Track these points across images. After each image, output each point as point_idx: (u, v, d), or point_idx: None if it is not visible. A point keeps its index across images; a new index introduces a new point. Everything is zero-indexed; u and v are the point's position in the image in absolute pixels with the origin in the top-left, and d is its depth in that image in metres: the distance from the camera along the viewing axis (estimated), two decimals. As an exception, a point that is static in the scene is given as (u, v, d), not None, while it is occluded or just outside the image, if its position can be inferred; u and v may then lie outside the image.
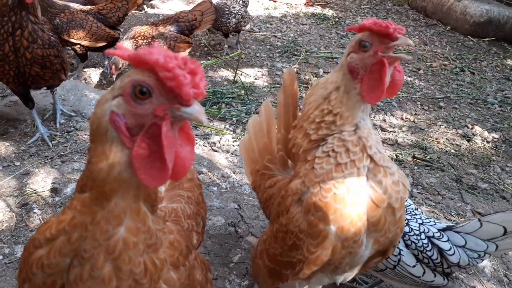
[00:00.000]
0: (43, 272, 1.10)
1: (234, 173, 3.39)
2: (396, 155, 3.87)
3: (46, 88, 3.48)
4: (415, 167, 3.76)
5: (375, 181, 1.51)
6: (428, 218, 2.19)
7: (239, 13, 5.33)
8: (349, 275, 1.80)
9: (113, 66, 4.19)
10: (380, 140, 1.57)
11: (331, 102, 1.53)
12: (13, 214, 2.76)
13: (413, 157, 3.89)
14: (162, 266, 1.14)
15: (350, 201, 1.47)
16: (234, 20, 5.30)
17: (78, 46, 4.33)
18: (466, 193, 3.50)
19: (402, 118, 4.58)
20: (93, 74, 4.78)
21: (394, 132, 4.31)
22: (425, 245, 2.02)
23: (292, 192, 1.64)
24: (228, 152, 3.65)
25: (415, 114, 4.69)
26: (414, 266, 2.04)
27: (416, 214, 2.16)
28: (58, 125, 3.71)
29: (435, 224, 2.12)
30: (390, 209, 1.52)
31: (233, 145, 3.76)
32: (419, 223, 2.09)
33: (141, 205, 1.04)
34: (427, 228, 2.07)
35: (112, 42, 4.56)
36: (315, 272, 1.63)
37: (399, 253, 2.04)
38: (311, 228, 1.54)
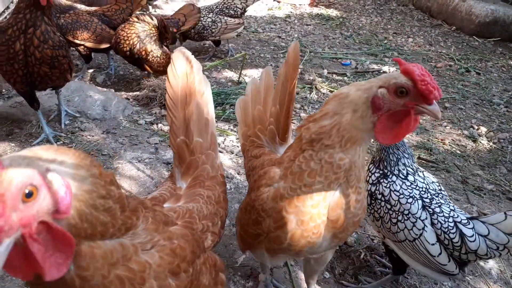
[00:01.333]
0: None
1: (238, 174, 3.39)
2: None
3: (51, 88, 3.49)
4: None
5: (343, 193, 1.63)
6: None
7: (201, 23, 5.19)
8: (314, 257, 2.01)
9: None
10: (365, 164, 1.66)
11: (342, 123, 1.49)
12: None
13: (418, 158, 3.87)
14: (143, 268, 1.13)
15: (310, 204, 1.61)
16: (193, 30, 5.17)
17: (82, 47, 4.34)
18: (472, 195, 3.47)
19: (407, 119, 4.55)
20: (98, 75, 4.79)
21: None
22: (450, 228, 2.10)
23: (269, 177, 1.76)
24: (233, 153, 3.65)
25: (420, 114, 4.67)
26: (433, 244, 2.11)
27: (450, 202, 2.25)
28: (63, 126, 3.72)
29: (465, 213, 2.20)
30: (349, 215, 1.69)
31: (237, 146, 3.76)
32: (451, 209, 2.17)
33: (81, 246, 1.00)
34: (457, 214, 2.15)
35: None
36: (279, 253, 1.85)
37: (423, 228, 2.12)
38: (275, 213, 1.69)
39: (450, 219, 2.12)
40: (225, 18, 5.38)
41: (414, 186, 2.22)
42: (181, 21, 4.86)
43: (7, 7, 5.02)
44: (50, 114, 3.85)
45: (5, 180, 0.86)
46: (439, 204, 2.18)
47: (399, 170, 2.26)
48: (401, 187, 2.21)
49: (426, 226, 2.12)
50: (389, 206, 2.20)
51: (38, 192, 0.90)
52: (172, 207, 1.60)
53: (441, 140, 4.23)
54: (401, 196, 2.18)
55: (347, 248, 2.80)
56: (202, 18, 5.22)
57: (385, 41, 6.76)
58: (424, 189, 2.23)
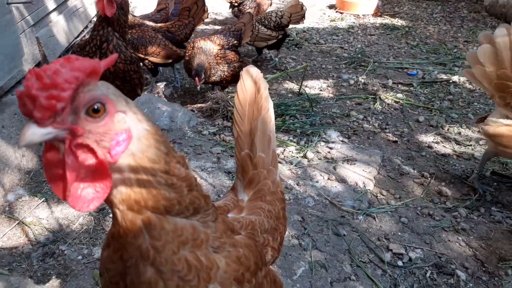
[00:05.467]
0: (107, 273, 1.17)
1: (297, 185, 3.38)
2: (473, 170, 3.61)
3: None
4: (494, 183, 3.48)
5: None
6: None
7: None
8: None
9: (197, 78, 4.36)
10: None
11: None
12: (92, 217, 2.97)
13: (492, 172, 3.61)
14: (210, 264, 1.14)
15: None
16: None
17: (147, 61, 4.60)
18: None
19: (479, 131, 4.28)
20: (165, 88, 5.04)
21: (471, 145, 4.04)
22: None
23: None
24: (292, 164, 3.65)
25: (494, 126, 4.36)
26: None
27: None
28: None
29: None
30: None
31: (297, 157, 3.75)
32: None
33: (150, 216, 1.02)
34: None
35: (178, 59, 4.79)
36: None
37: None
38: None
39: None
40: (259, 26, 5.41)
41: None
42: (242, 32, 4.90)
43: (86, 27, 5.47)
44: (121, 125, 4.11)
45: (87, 88, 0.88)
46: None
47: None
48: None
49: None
50: None
51: (103, 116, 0.90)
52: (236, 217, 1.63)
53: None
54: None
55: (411, 265, 2.67)
56: None
57: (455, 50, 6.44)
58: None
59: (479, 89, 5.13)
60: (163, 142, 1.05)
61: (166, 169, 1.04)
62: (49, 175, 0.94)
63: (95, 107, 0.88)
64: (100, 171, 0.93)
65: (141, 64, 4.80)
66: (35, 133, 0.84)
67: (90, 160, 0.92)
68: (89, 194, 0.94)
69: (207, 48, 4.42)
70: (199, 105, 4.73)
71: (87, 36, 3.32)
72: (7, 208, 2.99)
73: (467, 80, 5.35)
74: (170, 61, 4.73)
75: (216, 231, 1.21)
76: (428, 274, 2.62)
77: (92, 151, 0.91)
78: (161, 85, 5.13)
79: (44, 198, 3.09)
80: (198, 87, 4.48)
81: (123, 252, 1.07)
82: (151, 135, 1.01)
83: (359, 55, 6.13)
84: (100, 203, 0.96)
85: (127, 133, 0.94)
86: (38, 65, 4.12)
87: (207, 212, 1.18)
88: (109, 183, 0.94)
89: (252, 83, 1.86)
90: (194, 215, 1.14)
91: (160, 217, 1.04)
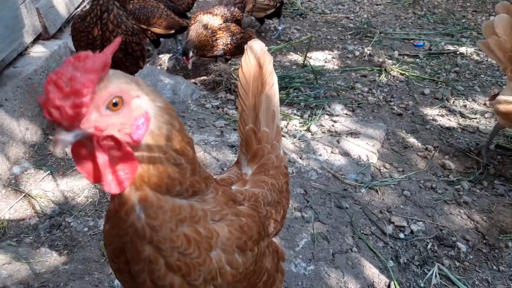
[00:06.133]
0: (109, 246, 1.20)
1: (300, 158, 3.38)
2: (477, 143, 3.60)
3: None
4: (498, 157, 3.48)
5: None
6: None
7: None
8: None
9: (185, 58, 4.31)
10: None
11: None
12: (97, 190, 3.00)
13: (497, 146, 3.60)
14: (210, 234, 1.16)
15: None
16: None
17: (149, 32, 4.52)
18: (558, 187, 3.17)
19: (485, 104, 4.23)
20: (168, 60, 4.99)
21: (476, 118, 4.00)
22: None
23: None
24: (295, 137, 3.64)
25: (501, 99, 4.31)
26: None
27: None
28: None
29: None
30: None
31: (300, 130, 3.74)
32: None
33: (148, 193, 1.05)
34: None
35: (181, 29, 4.70)
36: None
37: None
38: None
39: None
40: None
41: None
42: (244, 2, 4.78)
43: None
44: (124, 98, 4.09)
45: (102, 84, 0.93)
46: None
47: None
48: None
49: None
50: None
51: (122, 107, 0.96)
52: (239, 189, 1.64)
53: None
54: None
55: (412, 237, 2.70)
56: None
57: (463, 20, 6.28)
58: None
59: (486, 60, 5.04)
60: (175, 118, 1.09)
61: (177, 148, 1.08)
62: (81, 166, 1.02)
63: (114, 101, 0.94)
64: (126, 155, 0.99)
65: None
66: (67, 138, 0.92)
67: (116, 148, 0.99)
68: (119, 176, 1.01)
69: (208, 22, 4.33)
70: (202, 77, 4.68)
71: (87, 7, 3.26)
72: (13, 181, 3.03)
73: (474, 52, 5.25)
74: (172, 31, 4.65)
75: (216, 205, 1.22)
76: (429, 246, 2.65)
77: (116, 140, 0.97)
78: (164, 57, 5.07)
79: (49, 171, 3.12)
80: (189, 66, 4.41)
81: (119, 228, 1.10)
82: (165, 110, 1.05)
83: (365, 26, 6.00)
84: (131, 182, 1.02)
85: (145, 116, 0.99)
86: (39, 36, 4.07)
87: (206, 192, 1.20)
88: (136, 163, 1.01)
89: (257, 57, 1.84)
90: (193, 196, 1.16)
91: (159, 195, 1.07)
